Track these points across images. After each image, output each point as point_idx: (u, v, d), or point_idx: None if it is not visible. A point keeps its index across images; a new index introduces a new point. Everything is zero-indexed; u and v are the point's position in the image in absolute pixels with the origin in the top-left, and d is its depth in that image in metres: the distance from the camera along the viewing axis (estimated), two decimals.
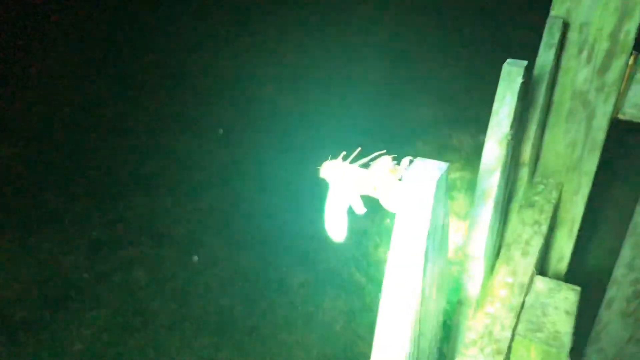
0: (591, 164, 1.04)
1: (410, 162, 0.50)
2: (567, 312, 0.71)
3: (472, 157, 2.58)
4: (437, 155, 2.58)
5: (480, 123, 2.76)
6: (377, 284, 2.02)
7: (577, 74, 0.98)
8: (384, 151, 0.53)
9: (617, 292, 1.05)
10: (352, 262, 2.10)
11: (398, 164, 0.51)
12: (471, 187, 2.41)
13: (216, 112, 3.00)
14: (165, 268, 2.12)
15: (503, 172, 0.68)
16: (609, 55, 0.97)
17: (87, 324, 1.90)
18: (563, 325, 0.69)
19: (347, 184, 0.54)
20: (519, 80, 0.65)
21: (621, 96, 1.00)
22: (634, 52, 0.96)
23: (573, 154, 1.04)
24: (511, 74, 0.66)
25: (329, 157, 0.56)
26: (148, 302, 2.00)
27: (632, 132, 1.04)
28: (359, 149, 0.56)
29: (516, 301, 0.72)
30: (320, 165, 0.55)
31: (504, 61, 0.65)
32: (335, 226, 0.55)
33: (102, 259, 2.15)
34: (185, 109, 3.01)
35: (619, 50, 0.96)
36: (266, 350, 1.87)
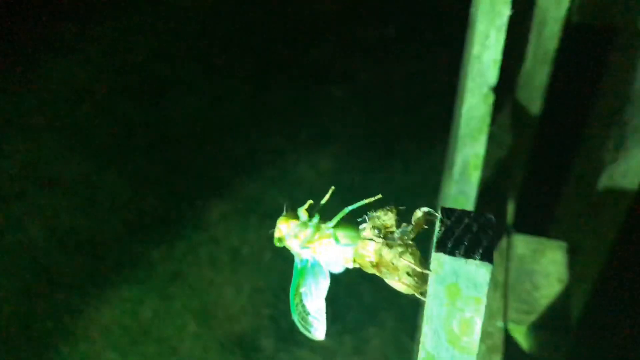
0: (540, 78, 0.92)
1: (430, 216, 0.31)
2: (559, 280, 0.61)
3: (379, 52, 2.44)
4: (343, 53, 2.41)
5: (383, 13, 2.59)
6: (302, 204, 1.91)
7: None
8: (379, 196, 0.34)
9: None
10: (273, 185, 1.96)
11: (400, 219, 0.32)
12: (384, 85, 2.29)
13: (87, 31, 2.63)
14: (63, 219, 1.92)
15: (489, 136, 0.54)
16: None
17: None
18: (560, 299, 0.59)
19: (325, 257, 0.35)
20: (507, 12, 0.50)
21: None
22: None
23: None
24: (495, 4, 0.50)
25: (284, 208, 0.37)
26: (50, 261, 1.81)
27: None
28: (332, 188, 0.36)
29: (501, 277, 0.61)
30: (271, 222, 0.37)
31: None
32: (312, 318, 0.37)
33: None
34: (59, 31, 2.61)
35: None
36: (194, 293, 1.76)
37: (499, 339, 0.56)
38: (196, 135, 2.16)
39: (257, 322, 1.68)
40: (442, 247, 0.28)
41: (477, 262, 0.27)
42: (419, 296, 0.33)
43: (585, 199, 0.86)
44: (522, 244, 0.66)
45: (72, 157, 2.10)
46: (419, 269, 0.31)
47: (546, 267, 0.65)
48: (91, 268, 1.80)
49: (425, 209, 0.31)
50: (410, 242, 0.32)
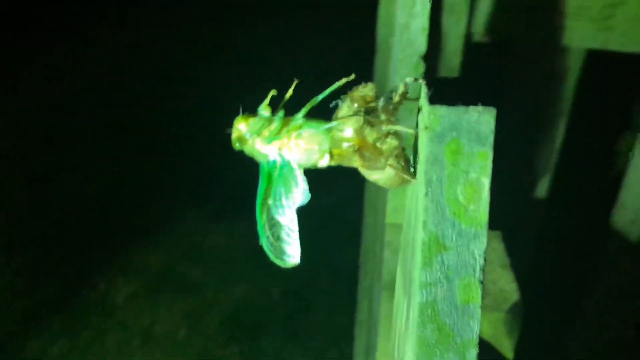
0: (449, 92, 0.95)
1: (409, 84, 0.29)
2: (502, 266, 0.60)
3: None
4: None
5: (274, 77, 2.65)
6: (217, 275, 1.82)
7: None
8: (353, 76, 0.31)
9: None
10: (184, 257, 1.86)
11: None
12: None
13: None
14: None
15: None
16: None
17: None
18: (506, 282, 0.58)
19: (296, 154, 0.31)
20: None
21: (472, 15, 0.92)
22: None
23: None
24: None
25: (240, 109, 0.33)
26: None
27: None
28: (295, 81, 0.32)
29: None
30: (229, 123, 0.32)
31: None
32: (282, 239, 0.32)
33: None
34: None
35: None
36: None
37: None
38: (95, 214, 2.03)
39: None
40: (437, 100, 0.25)
41: (480, 108, 0.25)
42: (409, 179, 0.29)
43: (507, 202, 0.88)
44: None
45: None
46: (410, 130, 0.28)
47: (488, 255, 0.64)
48: None
49: (410, 78, 0.29)
50: (394, 118, 0.29)
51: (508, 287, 0.59)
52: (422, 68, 0.52)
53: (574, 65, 0.98)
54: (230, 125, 0.32)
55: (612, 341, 1.16)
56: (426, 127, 0.25)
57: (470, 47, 0.93)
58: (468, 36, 0.91)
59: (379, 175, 0.30)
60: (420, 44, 0.51)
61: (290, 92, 0.31)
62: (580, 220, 1.29)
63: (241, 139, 0.31)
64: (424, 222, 0.25)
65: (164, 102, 2.54)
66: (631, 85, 1.23)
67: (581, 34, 0.93)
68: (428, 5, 0.51)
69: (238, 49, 2.84)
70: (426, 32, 0.52)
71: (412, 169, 0.30)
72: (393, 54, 0.52)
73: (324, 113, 0.32)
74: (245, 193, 1.97)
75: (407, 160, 0.30)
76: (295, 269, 0.36)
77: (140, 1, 3.07)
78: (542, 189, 1.02)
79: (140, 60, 2.78)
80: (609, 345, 1.17)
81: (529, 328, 0.60)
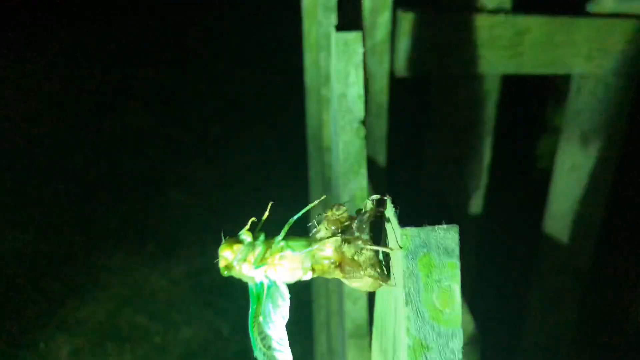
0: (380, 130, 0.99)
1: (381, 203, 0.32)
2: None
3: (211, 150, 2.44)
4: (173, 158, 2.38)
5: (205, 115, 2.63)
6: (163, 318, 1.79)
7: None
8: (323, 197, 0.34)
9: None
10: (125, 304, 1.81)
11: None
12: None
13: None
14: None
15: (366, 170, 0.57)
16: (374, 12, 0.92)
17: None
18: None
19: (281, 274, 0.33)
20: (361, 50, 0.54)
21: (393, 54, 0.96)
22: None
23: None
24: (349, 44, 0.54)
25: (222, 235, 0.35)
26: None
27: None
28: (270, 203, 0.34)
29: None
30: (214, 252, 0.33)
31: None
32: (274, 348, 0.34)
33: None
34: None
35: (381, 6, 0.92)
36: None
37: None
38: (27, 271, 1.94)
39: None
40: (406, 222, 0.28)
41: (444, 226, 0.28)
42: (387, 286, 0.32)
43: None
44: None
45: None
46: (387, 250, 0.31)
47: None
48: None
49: (375, 196, 0.32)
50: (367, 234, 0.32)
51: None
52: (362, 132, 0.56)
53: (492, 90, 1.04)
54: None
55: (554, 341, 1.24)
56: (401, 247, 0.28)
57: (394, 83, 0.97)
58: (391, 74, 0.96)
59: (359, 282, 0.33)
60: (359, 110, 0.55)
61: (266, 214, 0.33)
62: (515, 232, 1.37)
63: (229, 267, 0.33)
64: (407, 329, 0.28)
65: (89, 144, 2.46)
66: (545, 102, 1.32)
67: (495, 61, 0.99)
68: (361, 74, 0.54)
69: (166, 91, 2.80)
70: (362, 99, 0.55)
71: (385, 271, 0.33)
72: (331, 117, 0.55)
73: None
74: (179, 231, 1.94)
75: (382, 265, 0.33)
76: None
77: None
78: (476, 207, 1.08)
79: (58, 107, 2.69)
80: (550, 343, 1.24)
81: (485, 351, 0.64)
